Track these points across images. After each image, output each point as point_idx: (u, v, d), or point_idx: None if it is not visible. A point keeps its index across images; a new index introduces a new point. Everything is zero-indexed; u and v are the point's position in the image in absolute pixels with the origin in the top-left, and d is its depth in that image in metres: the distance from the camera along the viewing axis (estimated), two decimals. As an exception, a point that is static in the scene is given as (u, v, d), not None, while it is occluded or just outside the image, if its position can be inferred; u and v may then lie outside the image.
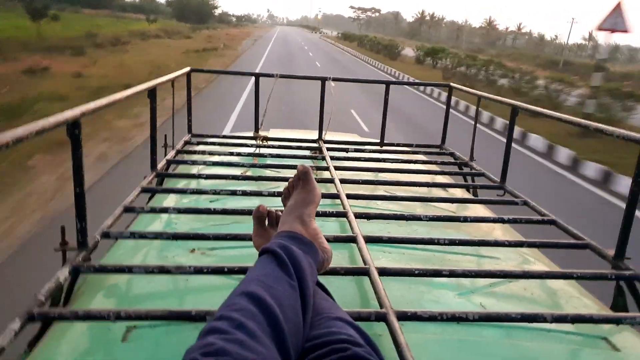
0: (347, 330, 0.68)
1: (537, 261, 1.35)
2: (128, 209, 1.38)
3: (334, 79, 2.42)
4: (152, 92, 1.66)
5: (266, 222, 0.93)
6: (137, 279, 1.07)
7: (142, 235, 1.22)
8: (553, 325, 0.96)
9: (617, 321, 1.00)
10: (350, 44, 49.60)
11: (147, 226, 1.40)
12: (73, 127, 1.06)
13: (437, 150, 2.48)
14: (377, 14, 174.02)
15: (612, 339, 0.97)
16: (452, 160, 2.32)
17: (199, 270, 1.01)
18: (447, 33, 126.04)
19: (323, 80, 2.37)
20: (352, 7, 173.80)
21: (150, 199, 1.74)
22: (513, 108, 1.82)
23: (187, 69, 2.21)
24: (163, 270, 1.02)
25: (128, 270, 1.04)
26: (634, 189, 1.22)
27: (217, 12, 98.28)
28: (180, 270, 1.02)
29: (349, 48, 43.07)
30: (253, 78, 2.40)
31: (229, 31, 54.75)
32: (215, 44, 29.20)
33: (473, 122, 2.28)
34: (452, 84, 2.54)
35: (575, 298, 1.15)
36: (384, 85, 2.45)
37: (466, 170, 2.19)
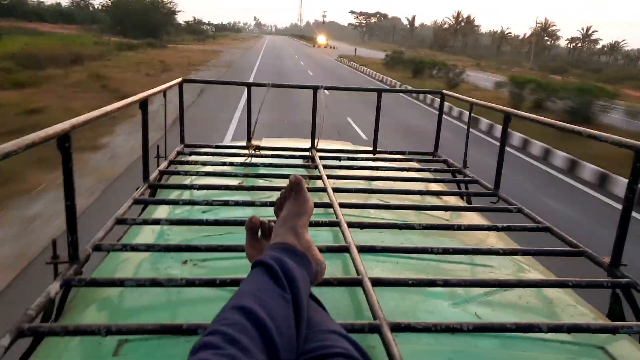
0: (341, 343, 0.68)
1: (532, 269, 1.34)
2: (120, 221, 1.37)
3: (326, 88, 2.42)
4: (143, 104, 1.65)
5: (259, 233, 0.92)
6: (129, 292, 1.06)
7: (134, 248, 1.21)
8: (549, 335, 0.96)
9: (614, 330, 0.99)
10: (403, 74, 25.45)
11: (139, 238, 1.39)
12: (63, 141, 1.05)
13: (430, 157, 2.48)
14: (382, 20, 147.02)
15: (609, 348, 0.96)
16: (446, 168, 2.32)
17: (190, 283, 1.00)
18: (484, 42, 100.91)
19: (315, 89, 2.37)
20: (352, 13, 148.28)
21: (142, 210, 1.73)
22: (506, 115, 1.82)
23: (179, 79, 2.21)
24: (155, 282, 1.01)
25: (120, 283, 1.02)
26: (628, 196, 1.22)
27: (181, 19, 68.83)
28: (172, 282, 1.01)
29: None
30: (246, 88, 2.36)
31: (192, 48, 36.15)
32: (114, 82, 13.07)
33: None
34: (444, 91, 2.55)
35: (571, 306, 1.15)
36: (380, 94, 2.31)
37: (460, 177, 2.19)
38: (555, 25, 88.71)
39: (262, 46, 56.83)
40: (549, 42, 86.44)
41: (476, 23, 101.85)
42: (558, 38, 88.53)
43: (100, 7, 51.76)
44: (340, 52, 54.44)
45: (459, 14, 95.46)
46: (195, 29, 68.78)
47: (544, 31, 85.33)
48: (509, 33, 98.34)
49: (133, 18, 41.31)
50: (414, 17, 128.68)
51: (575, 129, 1.46)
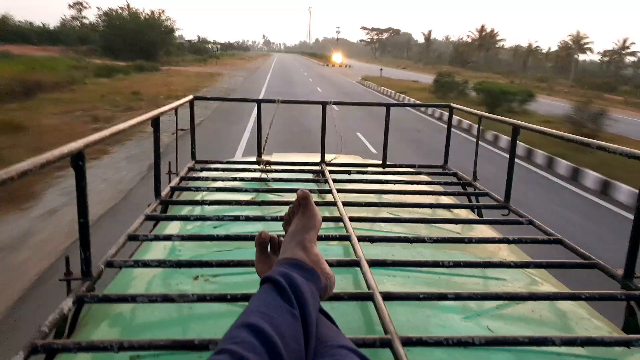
0: (351, 358, 0.67)
1: (545, 282, 1.33)
2: (132, 237, 1.38)
3: (335, 103, 2.44)
4: (155, 121, 1.68)
5: (269, 248, 0.93)
6: (141, 308, 1.07)
7: (146, 264, 1.22)
8: (563, 349, 0.94)
9: (628, 343, 0.98)
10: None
11: (151, 254, 1.40)
12: (77, 159, 1.08)
13: (440, 170, 2.48)
14: (395, 35, 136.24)
15: None
16: (456, 181, 2.32)
17: (201, 298, 1.01)
18: (503, 57, 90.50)
19: (324, 104, 2.40)
20: (364, 29, 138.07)
21: (154, 226, 1.74)
22: (514, 127, 1.83)
23: (190, 97, 2.24)
24: (166, 298, 1.02)
25: (132, 299, 1.03)
26: (639, 206, 1.21)
27: (188, 37, 64.77)
28: (184, 298, 1.01)
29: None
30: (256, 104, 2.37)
31: (189, 70, 30.91)
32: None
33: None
34: (452, 104, 2.55)
35: (585, 319, 1.13)
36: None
37: (470, 190, 2.18)
38: (587, 38, 76.14)
39: (270, 67, 50.30)
40: (576, 56, 76.08)
41: (499, 37, 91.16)
42: (590, 52, 76.33)
43: (90, 25, 46.41)
44: (359, 71, 48.18)
45: (483, 27, 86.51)
46: (199, 48, 61.99)
47: (576, 44, 73.69)
48: (538, 47, 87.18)
49: (126, 37, 36.71)
50: (430, 32, 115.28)
51: (584, 140, 1.46)
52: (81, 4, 52.37)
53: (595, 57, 79.53)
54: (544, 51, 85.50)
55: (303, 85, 27.69)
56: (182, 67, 35.12)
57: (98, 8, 46.41)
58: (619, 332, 1.14)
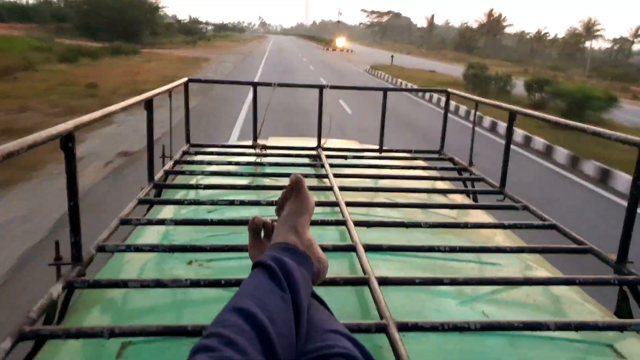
0: (343, 343, 0.67)
1: (539, 267, 1.33)
2: (124, 222, 1.37)
3: (332, 87, 2.42)
4: (148, 103, 1.65)
5: (262, 233, 0.92)
6: (133, 294, 1.06)
7: (138, 248, 1.20)
8: (557, 333, 0.95)
9: (621, 327, 0.98)
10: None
11: (144, 239, 1.39)
12: (67, 140, 1.06)
13: (437, 155, 2.48)
14: (396, 19, 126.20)
15: (617, 346, 0.95)
16: (452, 166, 2.32)
17: (195, 283, 1.00)
18: (508, 44, 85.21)
19: (321, 88, 2.37)
20: (364, 11, 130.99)
21: (147, 210, 1.73)
22: (511, 113, 1.82)
23: (185, 79, 2.22)
24: (159, 284, 1.01)
25: (123, 284, 1.02)
26: (634, 192, 1.21)
27: (180, 16, 57.75)
28: (177, 283, 1.00)
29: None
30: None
31: (173, 54, 27.31)
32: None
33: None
34: (449, 89, 2.54)
35: (579, 304, 1.14)
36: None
37: (465, 175, 2.18)
38: (599, 24, 69.54)
39: (265, 50, 44.45)
40: (586, 44, 69.99)
41: (507, 22, 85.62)
42: (602, 39, 73.18)
43: (68, 1, 39.46)
44: (363, 56, 43.04)
45: (491, 12, 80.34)
46: (191, 29, 57.09)
47: (587, 31, 68.46)
48: (546, 34, 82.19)
49: (106, 16, 32.37)
50: (432, 16, 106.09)
51: (579, 126, 1.46)
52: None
53: (603, 44, 74.67)
54: (550, 38, 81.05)
55: (303, 74, 23.42)
56: (167, 49, 31.30)
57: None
58: (612, 316, 1.15)
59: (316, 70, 26.31)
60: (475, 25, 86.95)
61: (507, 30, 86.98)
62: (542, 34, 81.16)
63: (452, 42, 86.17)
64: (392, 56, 34.20)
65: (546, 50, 78.60)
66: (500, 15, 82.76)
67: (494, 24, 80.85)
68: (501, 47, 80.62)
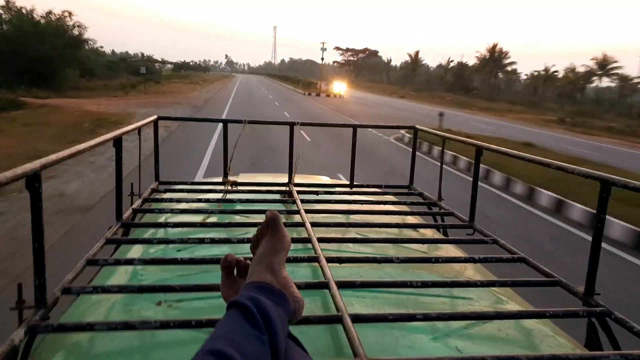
0: None
1: (510, 300, 1.35)
2: (91, 262, 1.32)
3: (302, 124, 2.45)
4: (117, 142, 1.64)
5: (235, 272, 0.90)
6: (100, 337, 1.01)
7: (106, 289, 1.16)
8: None
9: None
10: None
11: (112, 279, 1.34)
12: (33, 180, 1.03)
13: (406, 190, 2.51)
14: (371, 57, 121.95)
15: None
16: (421, 201, 2.35)
17: (165, 325, 0.97)
18: (500, 84, 78.33)
19: (291, 125, 2.40)
20: (338, 49, 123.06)
21: (115, 250, 1.68)
22: (477, 149, 1.87)
23: (154, 117, 2.20)
24: (127, 325, 0.97)
25: (89, 327, 0.98)
26: (597, 226, 1.25)
27: (102, 53, 45.49)
28: (145, 325, 0.97)
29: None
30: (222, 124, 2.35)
31: (75, 107, 17.87)
32: None
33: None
34: (417, 125, 2.61)
35: (550, 337, 1.15)
36: None
37: (435, 209, 2.21)
38: (616, 62, 62.18)
39: (228, 97, 33.87)
40: (595, 83, 64.26)
41: (511, 59, 77.80)
42: (616, 76, 62.52)
43: None
44: (361, 106, 32.10)
45: (494, 46, 72.99)
46: (137, 69, 41.47)
47: (602, 69, 62.06)
48: (555, 72, 71.86)
49: (5, 51, 24.80)
50: (417, 53, 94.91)
51: (543, 161, 1.51)
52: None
53: (603, 83, 66.81)
54: (560, 76, 70.77)
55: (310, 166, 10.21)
56: (84, 98, 23.34)
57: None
58: (583, 349, 1.17)
59: (327, 152, 12.45)
60: (471, 62, 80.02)
61: (515, 67, 79.76)
62: (549, 72, 72.85)
63: (438, 81, 79.13)
64: (441, 114, 20.39)
65: (546, 91, 72.91)
66: (501, 50, 76.55)
67: (497, 60, 74.67)
68: (497, 87, 73.86)
